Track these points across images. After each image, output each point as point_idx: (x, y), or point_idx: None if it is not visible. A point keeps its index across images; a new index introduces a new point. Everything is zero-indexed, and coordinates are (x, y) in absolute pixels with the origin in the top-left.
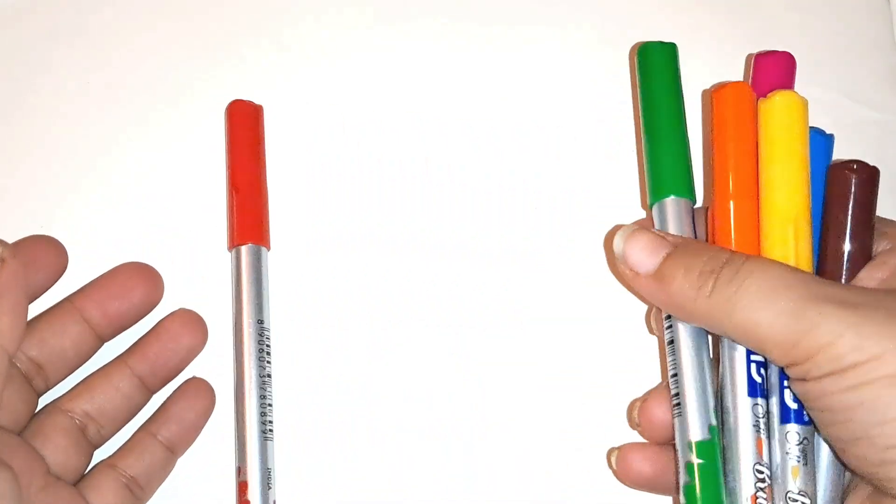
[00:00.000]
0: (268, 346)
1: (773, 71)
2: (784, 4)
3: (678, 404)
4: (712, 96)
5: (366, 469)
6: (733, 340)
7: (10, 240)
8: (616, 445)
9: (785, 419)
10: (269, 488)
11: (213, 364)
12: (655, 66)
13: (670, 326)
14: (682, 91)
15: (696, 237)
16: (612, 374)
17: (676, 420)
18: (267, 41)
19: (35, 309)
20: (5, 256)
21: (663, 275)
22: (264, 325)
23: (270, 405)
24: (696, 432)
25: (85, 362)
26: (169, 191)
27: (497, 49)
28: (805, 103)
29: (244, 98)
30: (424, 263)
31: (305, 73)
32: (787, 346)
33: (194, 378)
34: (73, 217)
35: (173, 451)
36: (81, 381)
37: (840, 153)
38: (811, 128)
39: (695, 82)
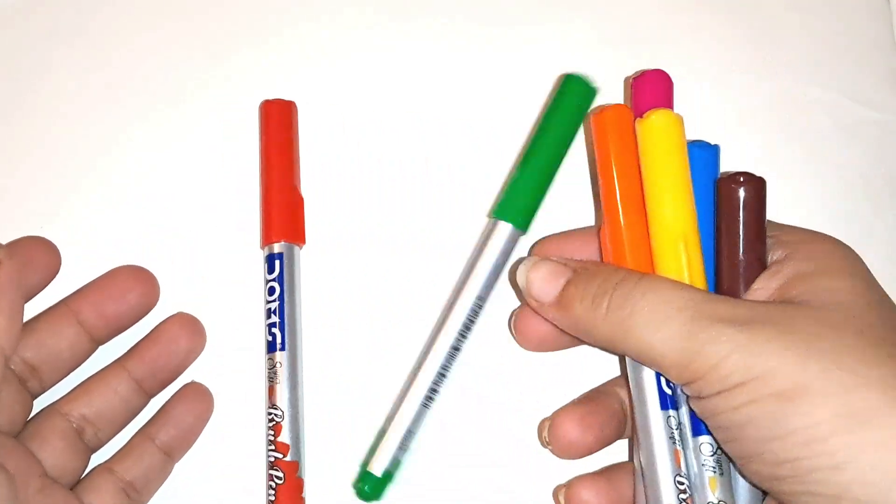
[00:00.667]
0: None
1: (650, 90)
2: (784, 4)
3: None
4: (592, 120)
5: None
6: (635, 361)
7: (6, 240)
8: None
9: (697, 431)
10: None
11: (213, 365)
12: (569, 99)
13: None
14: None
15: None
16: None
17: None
18: (266, 41)
19: (28, 310)
20: (1, 258)
21: (564, 301)
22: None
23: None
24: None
25: (80, 364)
26: (169, 191)
27: (498, 49)
28: (680, 120)
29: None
30: (415, 261)
31: (304, 73)
32: (681, 367)
33: (192, 382)
34: (72, 218)
35: (171, 456)
36: (79, 385)
37: (840, 153)
38: (696, 141)
39: (695, 82)
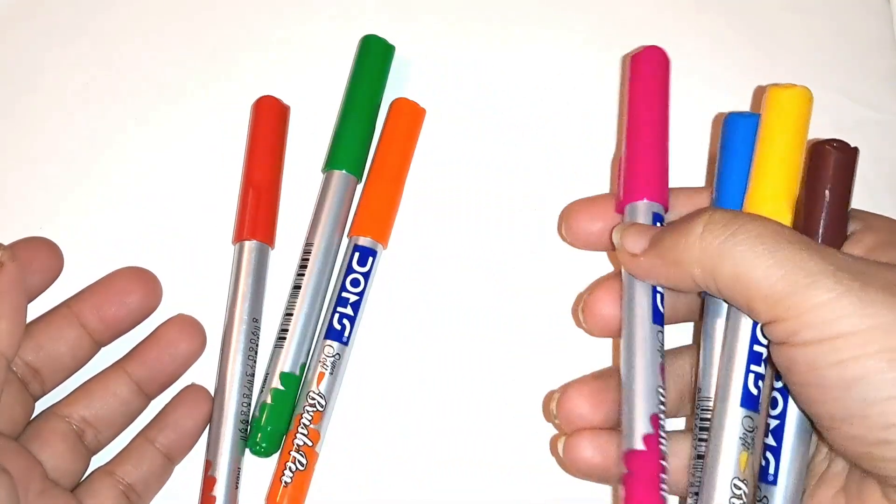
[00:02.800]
0: (257, 345)
1: (648, 67)
2: (784, 4)
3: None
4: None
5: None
6: (718, 294)
7: (7, 241)
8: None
9: (745, 404)
10: (236, 488)
11: (214, 368)
12: (370, 60)
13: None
14: (383, 85)
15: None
16: None
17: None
18: (265, 41)
19: (30, 312)
20: (4, 259)
21: (654, 242)
22: (258, 324)
23: (250, 405)
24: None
25: (82, 367)
26: (170, 191)
27: (497, 48)
28: (812, 99)
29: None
30: (416, 261)
31: (303, 73)
32: (777, 298)
33: (193, 385)
34: (73, 218)
35: (171, 459)
36: (79, 387)
37: None
38: (741, 112)
39: (695, 82)
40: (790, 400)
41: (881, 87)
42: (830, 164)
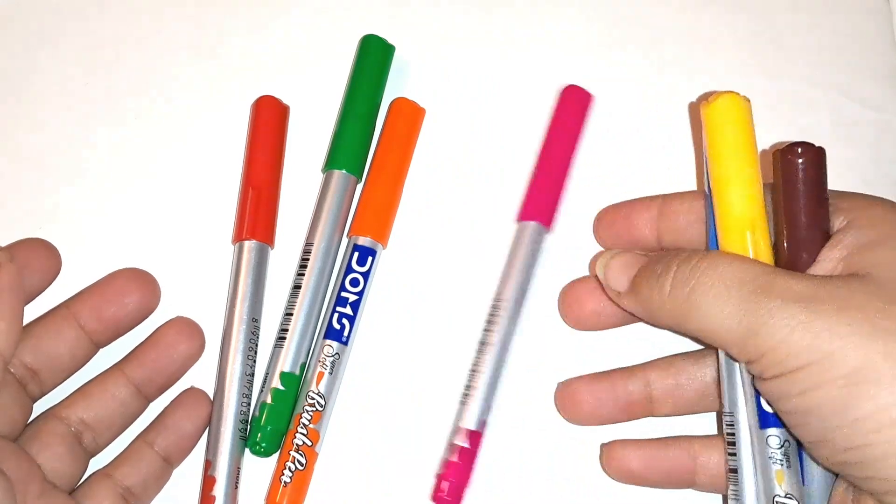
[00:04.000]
0: (257, 345)
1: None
2: (784, 4)
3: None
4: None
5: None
6: (698, 341)
7: (5, 242)
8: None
9: (764, 424)
10: (236, 488)
11: (213, 370)
12: (370, 60)
13: None
14: (383, 84)
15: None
16: None
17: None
18: (266, 41)
19: (29, 313)
20: (2, 261)
21: (635, 288)
22: (258, 324)
23: (250, 404)
24: None
25: (80, 368)
26: (167, 190)
27: (499, 48)
28: (748, 103)
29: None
30: (418, 263)
31: (303, 72)
32: (741, 344)
33: (192, 388)
34: (71, 219)
35: (170, 462)
36: (78, 389)
37: (839, 153)
38: None
39: (696, 82)
40: None
41: (881, 87)
42: (799, 173)
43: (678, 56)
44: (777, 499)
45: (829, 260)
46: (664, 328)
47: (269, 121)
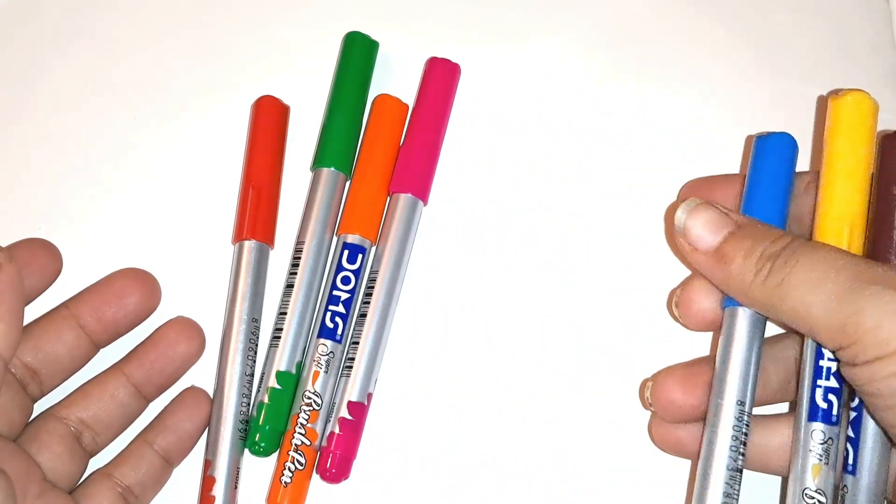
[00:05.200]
0: (256, 345)
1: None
2: (784, 4)
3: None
4: (831, 102)
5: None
6: (787, 327)
7: (5, 242)
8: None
9: (812, 417)
10: (235, 488)
11: (213, 369)
12: (354, 57)
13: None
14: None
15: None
16: None
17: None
18: (266, 40)
19: (29, 313)
20: (1, 261)
21: (723, 254)
22: (258, 324)
23: (249, 404)
24: None
25: (80, 368)
26: (168, 190)
27: (499, 48)
28: (876, 106)
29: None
30: (416, 264)
31: (303, 72)
32: (835, 330)
33: (192, 387)
34: (71, 218)
35: (169, 461)
36: (77, 389)
37: None
38: (773, 133)
39: (696, 82)
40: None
41: (881, 87)
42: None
43: (678, 57)
44: (807, 491)
45: None
46: (738, 301)
47: (270, 121)
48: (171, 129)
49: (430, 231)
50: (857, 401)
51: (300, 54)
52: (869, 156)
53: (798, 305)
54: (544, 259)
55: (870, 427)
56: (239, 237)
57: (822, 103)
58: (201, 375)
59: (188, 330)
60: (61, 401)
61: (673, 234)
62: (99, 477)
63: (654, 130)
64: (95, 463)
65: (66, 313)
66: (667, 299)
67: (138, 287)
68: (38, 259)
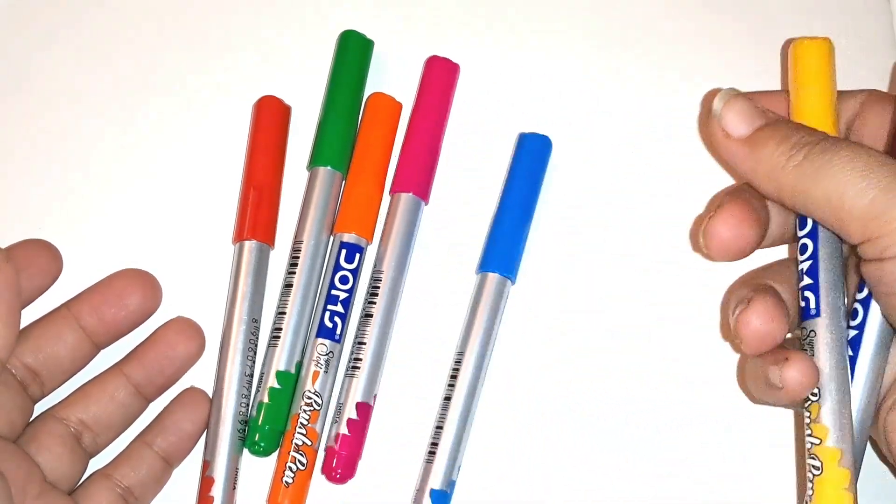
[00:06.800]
0: (256, 345)
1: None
2: (784, 4)
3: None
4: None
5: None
6: (810, 215)
7: (5, 243)
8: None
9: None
10: (234, 489)
11: (213, 370)
12: (349, 56)
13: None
14: (364, 80)
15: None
16: None
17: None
18: (267, 40)
19: (29, 314)
20: None
21: (755, 140)
22: (258, 324)
23: (248, 405)
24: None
25: (81, 369)
26: (168, 191)
27: (499, 48)
28: (832, 46)
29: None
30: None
31: (304, 73)
32: (868, 219)
33: (191, 388)
34: (71, 219)
35: (169, 462)
36: (77, 389)
37: None
38: (530, 133)
39: (696, 82)
40: (870, 312)
41: (881, 87)
42: None
43: (678, 56)
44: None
45: None
46: (761, 187)
47: (271, 121)
48: (172, 129)
49: (429, 231)
50: (858, 318)
51: (300, 54)
52: (834, 95)
53: (832, 191)
54: (544, 257)
55: (870, 343)
56: (239, 237)
57: (786, 47)
58: (201, 376)
59: (188, 330)
60: (61, 401)
61: (706, 126)
62: (99, 478)
63: (654, 130)
64: (96, 463)
65: (66, 314)
66: (690, 229)
67: (139, 287)
68: (39, 260)
